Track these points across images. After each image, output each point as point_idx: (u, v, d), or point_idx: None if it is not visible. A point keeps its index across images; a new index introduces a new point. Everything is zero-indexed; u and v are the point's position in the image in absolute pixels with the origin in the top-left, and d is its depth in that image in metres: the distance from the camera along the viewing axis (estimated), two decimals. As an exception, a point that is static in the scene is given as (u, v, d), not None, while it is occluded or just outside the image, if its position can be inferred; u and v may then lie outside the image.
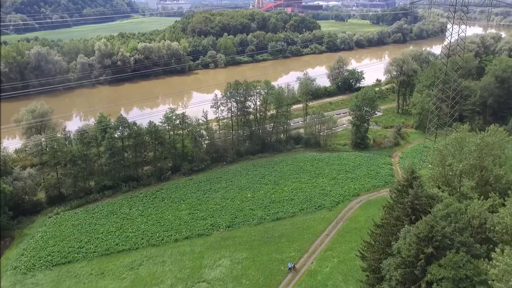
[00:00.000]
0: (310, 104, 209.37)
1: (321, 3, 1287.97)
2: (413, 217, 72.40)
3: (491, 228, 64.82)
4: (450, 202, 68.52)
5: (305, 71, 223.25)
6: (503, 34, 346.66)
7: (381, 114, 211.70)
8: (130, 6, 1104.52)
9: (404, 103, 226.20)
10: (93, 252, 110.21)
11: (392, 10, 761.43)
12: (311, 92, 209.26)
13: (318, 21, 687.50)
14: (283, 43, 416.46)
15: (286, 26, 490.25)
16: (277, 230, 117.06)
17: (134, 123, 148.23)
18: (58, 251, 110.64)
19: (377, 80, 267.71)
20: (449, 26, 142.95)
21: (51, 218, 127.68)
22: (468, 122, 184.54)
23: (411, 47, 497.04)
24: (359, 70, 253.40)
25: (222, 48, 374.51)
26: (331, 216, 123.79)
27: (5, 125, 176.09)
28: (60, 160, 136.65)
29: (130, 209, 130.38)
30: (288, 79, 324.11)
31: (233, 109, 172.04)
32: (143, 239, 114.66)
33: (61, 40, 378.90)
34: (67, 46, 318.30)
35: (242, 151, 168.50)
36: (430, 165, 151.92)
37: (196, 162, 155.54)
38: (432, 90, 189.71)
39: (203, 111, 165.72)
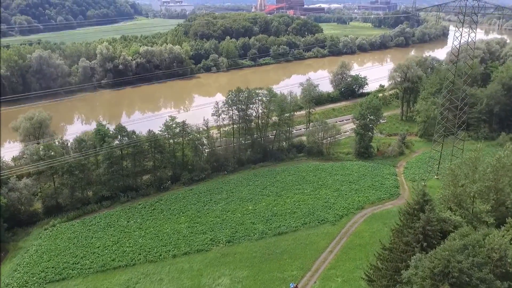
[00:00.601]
0: (313, 110, 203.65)
1: (323, 5, 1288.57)
2: (425, 243, 67.29)
3: (512, 262, 59.51)
4: (467, 231, 63.16)
5: (308, 77, 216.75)
6: (507, 38, 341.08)
7: (385, 121, 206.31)
8: (134, 8, 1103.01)
9: (408, 109, 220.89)
10: (89, 268, 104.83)
11: (394, 13, 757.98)
12: (314, 99, 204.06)
13: (320, 24, 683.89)
14: (285, 46, 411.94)
15: (289, 29, 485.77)
16: (279, 246, 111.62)
17: (133, 132, 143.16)
18: (53, 267, 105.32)
19: (381, 85, 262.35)
20: (457, 34, 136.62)
21: (47, 231, 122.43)
22: (474, 131, 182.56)
23: (413, 51, 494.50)
24: (362, 76, 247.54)
25: (224, 52, 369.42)
26: (335, 231, 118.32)
27: (3, 131, 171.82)
28: (57, 170, 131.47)
29: (128, 221, 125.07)
30: (290, 83, 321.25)
31: (234, 117, 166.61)
32: (140, 254, 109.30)
33: (63, 43, 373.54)
34: (69, 49, 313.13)
35: (243, 159, 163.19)
36: (436, 177, 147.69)
37: (197, 171, 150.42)
38: (437, 98, 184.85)
39: (204, 119, 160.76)
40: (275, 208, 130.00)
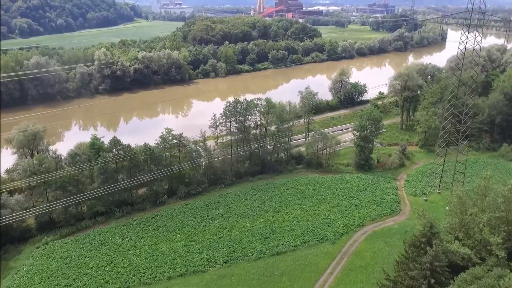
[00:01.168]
0: (312, 120, 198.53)
1: (321, 8, 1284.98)
2: (432, 280, 62.69)
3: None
4: (479, 273, 58.33)
5: (307, 85, 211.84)
6: (507, 44, 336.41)
7: (385, 130, 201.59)
8: (134, 10, 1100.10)
9: (408, 118, 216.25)
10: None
11: (392, 16, 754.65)
12: (313, 107, 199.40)
13: (318, 27, 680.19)
14: (284, 51, 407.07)
15: (288, 33, 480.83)
16: (277, 267, 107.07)
17: (129, 146, 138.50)
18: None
19: (380, 93, 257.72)
20: (461, 47, 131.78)
21: (39, 249, 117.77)
22: (475, 141, 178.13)
23: (411, 55, 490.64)
24: (361, 83, 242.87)
25: (223, 57, 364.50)
26: (335, 251, 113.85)
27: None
28: (50, 185, 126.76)
29: (123, 239, 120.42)
30: (289, 87, 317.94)
31: (232, 128, 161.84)
32: (134, 275, 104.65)
33: (62, 48, 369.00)
34: (67, 55, 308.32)
35: (241, 172, 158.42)
36: (437, 191, 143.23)
37: (193, 185, 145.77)
38: (438, 108, 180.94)
39: (201, 132, 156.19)
40: (273, 225, 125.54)
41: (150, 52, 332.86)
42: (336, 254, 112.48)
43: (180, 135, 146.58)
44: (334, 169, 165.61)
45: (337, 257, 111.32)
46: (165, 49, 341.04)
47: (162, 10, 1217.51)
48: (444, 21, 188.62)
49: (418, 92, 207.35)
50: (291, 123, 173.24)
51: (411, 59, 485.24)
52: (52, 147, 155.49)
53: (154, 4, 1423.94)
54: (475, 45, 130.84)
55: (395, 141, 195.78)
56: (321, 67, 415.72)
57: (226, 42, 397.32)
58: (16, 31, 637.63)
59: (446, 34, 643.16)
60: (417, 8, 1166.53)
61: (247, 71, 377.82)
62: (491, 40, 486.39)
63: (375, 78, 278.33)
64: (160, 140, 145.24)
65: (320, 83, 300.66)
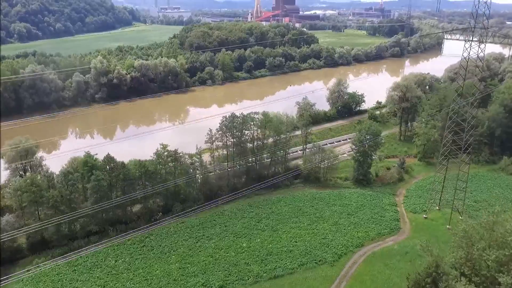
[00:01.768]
0: (310, 131, 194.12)
1: (318, 12, 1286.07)
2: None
3: None
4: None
5: (304, 96, 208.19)
6: (505, 54, 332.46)
7: (383, 141, 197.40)
8: (132, 14, 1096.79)
9: (407, 129, 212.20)
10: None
11: (388, 21, 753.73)
12: (311, 118, 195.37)
13: (315, 32, 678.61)
14: (281, 58, 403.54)
15: (285, 39, 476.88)
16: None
17: (123, 163, 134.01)
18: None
19: (378, 102, 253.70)
20: (465, 54, 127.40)
21: (30, 272, 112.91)
22: (475, 154, 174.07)
23: (408, 61, 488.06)
24: (359, 93, 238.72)
25: (220, 64, 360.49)
26: (334, 274, 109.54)
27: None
28: (42, 204, 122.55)
29: (116, 261, 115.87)
30: (286, 95, 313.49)
31: (228, 143, 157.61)
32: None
33: (59, 55, 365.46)
34: (63, 63, 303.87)
35: (238, 187, 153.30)
36: (437, 208, 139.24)
37: (189, 202, 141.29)
38: (437, 120, 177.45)
39: (197, 147, 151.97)
40: (270, 245, 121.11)
41: (147, 59, 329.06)
42: (335, 277, 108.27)
43: (176, 151, 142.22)
44: (332, 184, 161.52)
45: (336, 280, 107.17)
46: (162, 57, 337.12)
47: (160, 14, 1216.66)
48: (445, 37, 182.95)
49: (417, 103, 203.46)
50: (288, 135, 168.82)
51: (407, 64, 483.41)
52: (45, 162, 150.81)
53: (153, 8, 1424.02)
54: (478, 53, 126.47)
55: (394, 153, 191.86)
56: (318, 73, 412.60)
57: (223, 49, 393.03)
58: (15, 35, 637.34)
59: (442, 39, 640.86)
60: (413, 12, 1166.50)
61: (244, 78, 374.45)
62: (488, 47, 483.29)
63: (373, 84, 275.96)
64: (155, 156, 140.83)
65: (317, 90, 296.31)
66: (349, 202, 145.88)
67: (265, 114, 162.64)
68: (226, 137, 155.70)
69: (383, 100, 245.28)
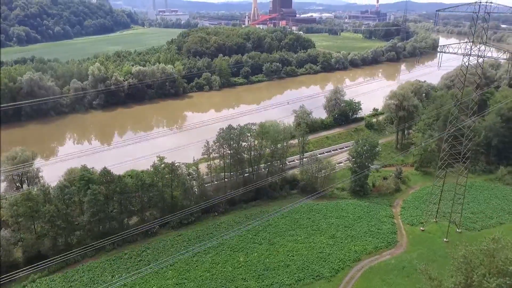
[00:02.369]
0: (307, 139, 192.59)
1: (314, 15, 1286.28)
2: None
3: None
4: None
5: (301, 105, 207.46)
6: (501, 60, 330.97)
7: (380, 149, 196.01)
8: (130, 17, 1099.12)
9: (403, 137, 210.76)
10: None
11: (384, 25, 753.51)
12: (307, 128, 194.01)
13: (312, 35, 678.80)
14: (278, 64, 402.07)
15: (282, 43, 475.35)
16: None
17: (119, 177, 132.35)
18: None
19: (374, 109, 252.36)
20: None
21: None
22: (471, 163, 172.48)
23: (404, 65, 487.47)
24: (356, 101, 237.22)
25: (217, 70, 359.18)
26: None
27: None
28: (38, 219, 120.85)
29: (113, 276, 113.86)
30: (283, 100, 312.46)
31: (225, 154, 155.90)
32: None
33: (57, 59, 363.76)
34: (61, 69, 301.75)
35: (235, 199, 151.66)
36: (434, 220, 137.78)
37: (186, 214, 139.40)
38: (434, 129, 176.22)
39: (193, 159, 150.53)
40: (267, 259, 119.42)
41: (144, 65, 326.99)
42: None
43: (173, 163, 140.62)
44: (329, 195, 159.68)
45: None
46: (160, 63, 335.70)
47: (158, 17, 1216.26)
48: (443, 50, 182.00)
49: (414, 111, 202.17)
50: (285, 146, 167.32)
51: (403, 68, 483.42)
52: (41, 174, 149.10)
53: (151, 10, 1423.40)
54: (476, 68, 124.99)
55: (390, 162, 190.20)
56: (315, 78, 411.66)
57: (221, 55, 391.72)
58: (14, 39, 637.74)
59: (438, 43, 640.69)
60: (408, 15, 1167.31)
61: (241, 84, 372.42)
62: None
63: (371, 87, 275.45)
64: (152, 169, 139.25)
65: (314, 96, 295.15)
66: (346, 214, 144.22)
67: (262, 125, 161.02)
68: (223, 148, 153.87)
69: (379, 107, 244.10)
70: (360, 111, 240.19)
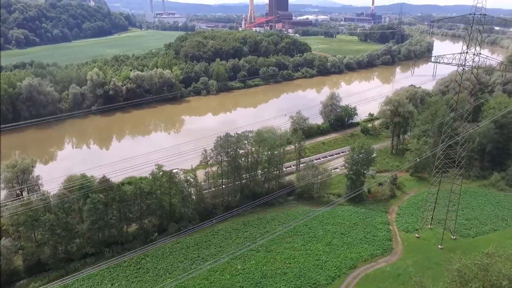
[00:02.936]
0: (303, 145, 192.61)
1: (310, 17, 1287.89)
2: None
3: None
4: None
5: (298, 110, 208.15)
6: (494, 57, 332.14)
7: (375, 155, 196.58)
8: (128, 20, 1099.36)
9: (398, 143, 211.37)
10: None
11: (379, 27, 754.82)
12: (304, 135, 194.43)
13: (308, 37, 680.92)
14: (274, 68, 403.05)
15: (278, 47, 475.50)
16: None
17: (119, 186, 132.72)
18: None
19: (370, 114, 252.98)
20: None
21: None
22: (465, 169, 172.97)
23: (399, 68, 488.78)
24: (352, 106, 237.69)
25: (214, 74, 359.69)
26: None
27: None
28: (38, 228, 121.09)
29: (112, 284, 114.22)
30: (279, 103, 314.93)
31: (223, 162, 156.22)
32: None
33: (56, 64, 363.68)
34: (60, 75, 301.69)
35: (232, 206, 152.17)
36: (429, 226, 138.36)
37: (184, 222, 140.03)
38: (429, 136, 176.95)
39: (192, 167, 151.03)
40: (264, 267, 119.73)
41: (142, 70, 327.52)
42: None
43: (171, 172, 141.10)
44: (325, 201, 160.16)
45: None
46: (157, 68, 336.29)
47: (156, 19, 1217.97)
48: (437, 61, 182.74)
49: (409, 117, 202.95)
50: (281, 152, 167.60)
51: (398, 71, 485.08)
52: (41, 181, 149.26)
53: (148, 13, 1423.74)
54: (470, 78, 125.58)
55: (386, 168, 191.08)
56: (311, 82, 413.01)
57: (218, 59, 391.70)
58: (13, 42, 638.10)
59: (433, 46, 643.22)
60: (403, 17, 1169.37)
61: (238, 88, 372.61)
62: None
63: (365, 92, 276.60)
64: (151, 177, 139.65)
65: (309, 99, 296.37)
66: (342, 221, 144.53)
67: (258, 132, 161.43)
68: (221, 156, 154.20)
69: (374, 111, 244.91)
70: (356, 116, 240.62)
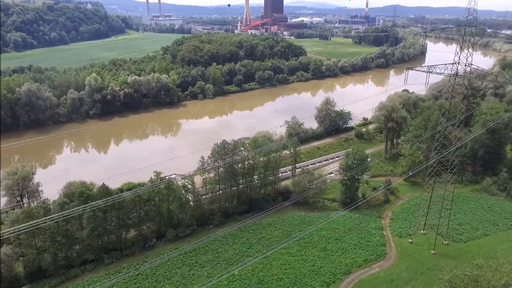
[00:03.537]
0: (298, 150, 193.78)
1: (305, 19, 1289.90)
2: None
3: None
4: None
5: (293, 116, 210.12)
6: (486, 60, 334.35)
7: (369, 159, 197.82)
8: (125, 22, 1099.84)
9: (392, 147, 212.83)
10: None
11: (373, 30, 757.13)
12: (299, 137, 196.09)
13: (303, 40, 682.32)
14: (270, 72, 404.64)
15: (274, 51, 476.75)
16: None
17: (118, 194, 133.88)
18: None
19: (364, 118, 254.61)
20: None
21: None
22: (458, 174, 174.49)
23: (393, 71, 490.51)
24: (346, 111, 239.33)
25: (211, 78, 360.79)
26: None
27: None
28: (39, 235, 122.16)
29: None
30: (274, 106, 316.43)
31: (220, 168, 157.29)
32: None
33: (54, 68, 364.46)
34: (59, 79, 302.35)
35: (229, 211, 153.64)
36: (422, 232, 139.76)
37: (182, 227, 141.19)
38: (423, 141, 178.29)
39: (189, 173, 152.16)
40: (261, 273, 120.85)
41: (139, 75, 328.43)
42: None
43: (169, 179, 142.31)
44: (320, 206, 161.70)
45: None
46: (155, 72, 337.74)
47: (152, 22, 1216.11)
48: (430, 71, 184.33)
49: (402, 123, 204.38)
50: (277, 155, 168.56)
51: (392, 74, 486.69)
52: (41, 188, 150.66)
53: (145, 15, 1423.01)
54: (462, 89, 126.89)
55: (380, 172, 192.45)
56: (306, 85, 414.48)
57: (214, 64, 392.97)
58: (11, 44, 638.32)
59: (426, 49, 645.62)
60: (397, 19, 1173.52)
61: (234, 92, 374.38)
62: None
63: (359, 94, 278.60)
64: (149, 184, 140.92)
65: (305, 100, 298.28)
66: (337, 226, 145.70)
67: (254, 139, 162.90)
68: (218, 163, 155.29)
69: (368, 115, 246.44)
70: (350, 120, 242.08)
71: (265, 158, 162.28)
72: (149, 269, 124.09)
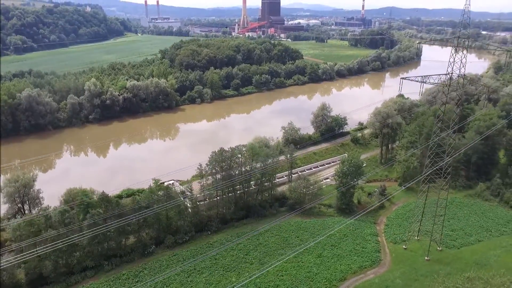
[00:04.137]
0: (295, 156, 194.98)
1: (301, 21, 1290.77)
2: None
3: None
4: None
5: (290, 121, 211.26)
6: (481, 63, 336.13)
7: (364, 165, 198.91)
8: (124, 25, 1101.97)
9: (387, 152, 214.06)
10: None
11: (369, 33, 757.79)
12: (296, 142, 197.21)
13: (299, 42, 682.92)
14: (267, 76, 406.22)
15: (271, 54, 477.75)
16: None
17: (117, 202, 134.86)
18: None
19: (360, 123, 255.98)
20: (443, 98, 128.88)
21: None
22: (451, 179, 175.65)
23: (388, 74, 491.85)
24: (342, 116, 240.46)
25: (209, 83, 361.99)
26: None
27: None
28: (40, 244, 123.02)
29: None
30: (271, 109, 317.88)
31: (218, 175, 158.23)
32: None
33: (54, 72, 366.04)
34: (58, 84, 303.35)
35: (227, 218, 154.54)
36: (416, 238, 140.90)
37: (180, 234, 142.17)
38: (418, 147, 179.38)
39: (187, 180, 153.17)
40: (258, 280, 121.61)
41: (138, 80, 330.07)
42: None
43: (168, 186, 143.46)
44: (316, 212, 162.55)
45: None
46: (153, 77, 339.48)
47: (151, 24, 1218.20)
48: (424, 81, 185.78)
49: (397, 128, 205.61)
50: (274, 162, 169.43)
51: (388, 77, 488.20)
52: (42, 195, 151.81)
53: (143, 18, 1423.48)
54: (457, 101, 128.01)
55: (375, 177, 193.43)
56: (302, 89, 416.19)
57: (212, 68, 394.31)
58: (11, 48, 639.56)
59: (421, 52, 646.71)
60: (392, 21, 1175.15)
61: (231, 96, 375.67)
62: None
63: (355, 98, 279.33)
64: (148, 191, 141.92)
65: (301, 102, 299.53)
66: (333, 232, 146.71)
67: (252, 146, 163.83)
68: (216, 170, 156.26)
69: (364, 120, 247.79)
70: (346, 126, 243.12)
71: (261, 164, 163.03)
72: (148, 275, 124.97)
